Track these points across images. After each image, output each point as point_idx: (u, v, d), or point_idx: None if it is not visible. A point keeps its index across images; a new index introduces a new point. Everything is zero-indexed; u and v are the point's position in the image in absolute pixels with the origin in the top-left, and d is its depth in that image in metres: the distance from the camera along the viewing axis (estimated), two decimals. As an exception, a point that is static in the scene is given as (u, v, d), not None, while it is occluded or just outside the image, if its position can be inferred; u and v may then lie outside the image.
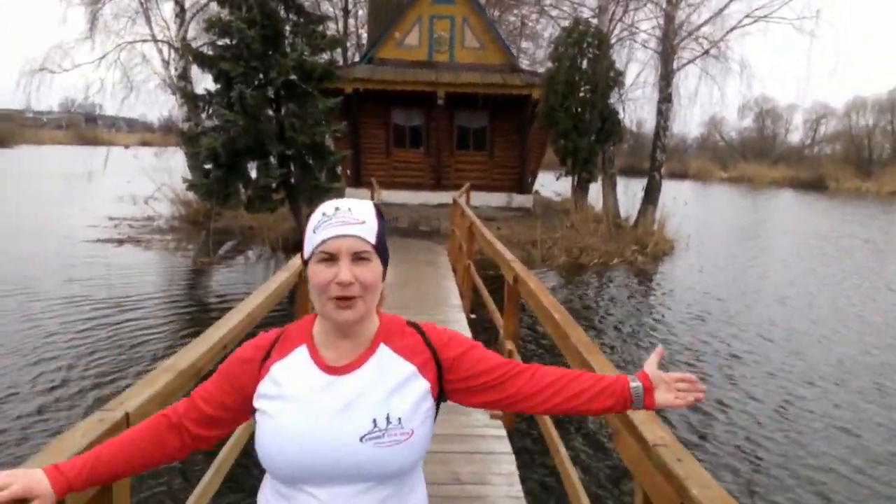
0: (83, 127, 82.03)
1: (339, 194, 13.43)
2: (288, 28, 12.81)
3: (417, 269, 10.91)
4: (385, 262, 1.27)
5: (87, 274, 10.93)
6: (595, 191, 19.44)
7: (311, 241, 1.21)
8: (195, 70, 16.34)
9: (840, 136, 55.79)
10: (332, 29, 15.27)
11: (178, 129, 12.94)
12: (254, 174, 12.63)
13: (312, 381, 1.22)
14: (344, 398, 1.20)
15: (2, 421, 5.46)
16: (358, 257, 1.19)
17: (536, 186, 21.14)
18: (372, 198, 12.80)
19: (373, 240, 1.21)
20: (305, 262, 1.24)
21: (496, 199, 18.94)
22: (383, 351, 1.27)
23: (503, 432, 4.22)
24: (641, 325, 9.75)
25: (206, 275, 11.66)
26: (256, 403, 1.25)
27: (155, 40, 18.09)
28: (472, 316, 8.46)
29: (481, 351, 1.36)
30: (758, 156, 57.72)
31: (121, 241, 13.78)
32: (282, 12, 12.67)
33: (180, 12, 17.20)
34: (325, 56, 12.70)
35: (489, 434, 4.17)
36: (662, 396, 1.31)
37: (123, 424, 1.64)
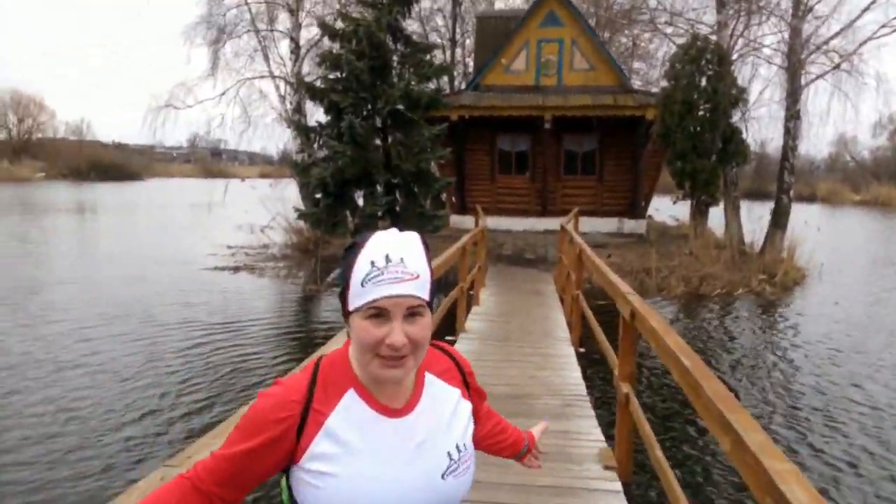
0: (209, 160, 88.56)
1: (444, 222, 13.30)
2: (396, 59, 12.95)
3: (522, 298, 10.49)
4: (433, 309, 1.17)
5: (201, 299, 11.35)
6: (715, 215, 18.25)
7: (359, 295, 1.10)
8: (309, 104, 16.93)
9: None
10: (439, 58, 15.28)
11: (290, 160, 13.37)
12: (362, 202, 12.77)
13: (378, 429, 1.15)
14: (415, 440, 1.16)
15: (91, 447, 5.52)
16: (411, 313, 1.10)
17: (650, 211, 20.17)
18: (476, 225, 12.57)
19: (426, 295, 1.12)
20: (348, 314, 1.13)
21: (606, 224, 18.21)
22: (430, 380, 1.25)
23: (619, 486, 3.75)
24: (763, 362, 8.79)
25: (313, 301, 11.82)
26: (309, 465, 1.12)
27: (272, 76, 19.04)
28: (581, 350, 7.94)
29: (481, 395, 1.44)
30: (893, 177, 52.74)
31: (236, 269, 14.34)
32: (390, 43, 12.84)
33: (295, 48, 17.99)
34: (432, 84, 12.71)
35: (602, 488, 3.70)
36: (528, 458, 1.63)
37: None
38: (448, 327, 8.19)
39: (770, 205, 17.85)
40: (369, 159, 11.93)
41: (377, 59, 12.23)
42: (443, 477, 1.16)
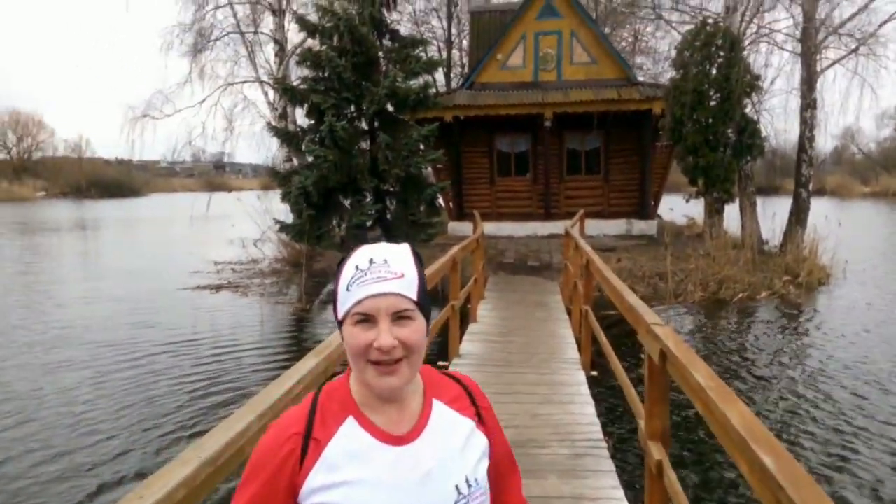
0: (211, 174, 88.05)
1: (439, 230, 12.29)
2: (381, 55, 11.97)
3: (525, 312, 9.45)
4: (428, 317, 1.10)
5: (168, 319, 10.60)
6: (729, 213, 17.19)
7: (344, 301, 1.06)
8: (300, 109, 15.99)
9: None
10: (430, 53, 14.23)
11: (271, 169, 12.41)
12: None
13: (377, 458, 1.06)
14: (420, 470, 1.07)
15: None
16: (399, 317, 1.04)
17: (660, 211, 19.12)
18: (474, 232, 11.57)
19: (414, 295, 1.06)
20: (340, 323, 1.08)
21: (614, 226, 17.16)
22: (439, 408, 1.15)
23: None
24: (789, 374, 7.76)
25: (301, 322, 10.82)
26: (309, 500, 1.04)
27: (259, 81, 18.05)
28: (593, 373, 6.91)
29: (501, 433, 1.26)
30: (901, 168, 51.78)
31: (218, 287, 13.35)
32: (375, 38, 11.87)
33: (280, 51, 17.03)
34: (421, 81, 11.71)
35: None
36: None
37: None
38: (441, 351, 7.20)
39: (782, 200, 16.80)
40: (354, 165, 10.94)
41: (361, 55, 11.26)
42: None
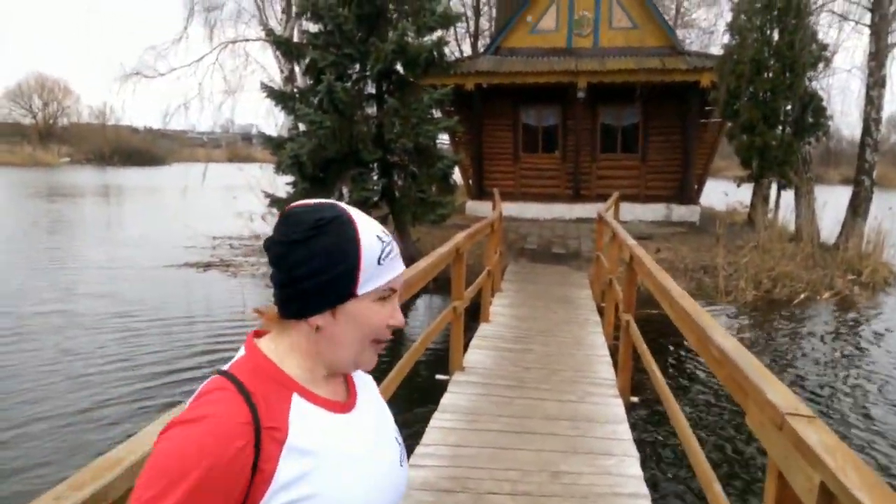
0: (238, 145, 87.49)
1: (451, 209, 10.78)
2: (392, 6, 10.38)
3: (548, 310, 7.96)
4: None
5: (136, 296, 9.63)
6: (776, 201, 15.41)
7: (375, 275, 0.96)
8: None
9: None
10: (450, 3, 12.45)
11: (264, 136, 10.99)
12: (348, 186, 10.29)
13: (337, 429, 0.98)
14: (371, 431, 1.04)
15: None
16: None
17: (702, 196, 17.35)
18: (493, 211, 10.08)
19: None
20: (346, 297, 0.95)
21: (651, 211, 15.48)
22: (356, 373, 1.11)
23: None
24: (853, 393, 6.21)
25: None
26: (280, 497, 0.88)
27: (264, 39, 16.46)
28: (634, 399, 5.43)
29: None
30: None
31: (208, 265, 12.02)
32: (385, -12, 10.29)
33: (287, 6, 15.46)
34: (434, 36, 10.12)
35: None
36: None
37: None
38: (439, 362, 5.78)
39: (832, 189, 14.93)
40: (356, 133, 9.43)
41: (367, 4, 9.69)
42: (401, 464, 1.07)
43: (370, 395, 1.10)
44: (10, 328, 7.98)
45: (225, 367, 0.95)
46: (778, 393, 1.63)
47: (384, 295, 0.97)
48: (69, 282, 10.73)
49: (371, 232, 0.96)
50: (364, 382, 1.11)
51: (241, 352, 0.99)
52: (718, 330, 2.39)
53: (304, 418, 0.93)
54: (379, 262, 0.95)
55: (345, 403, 1.02)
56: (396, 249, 0.99)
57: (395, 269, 0.98)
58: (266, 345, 0.98)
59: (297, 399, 0.94)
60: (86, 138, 66.63)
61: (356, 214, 0.97)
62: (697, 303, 3.09)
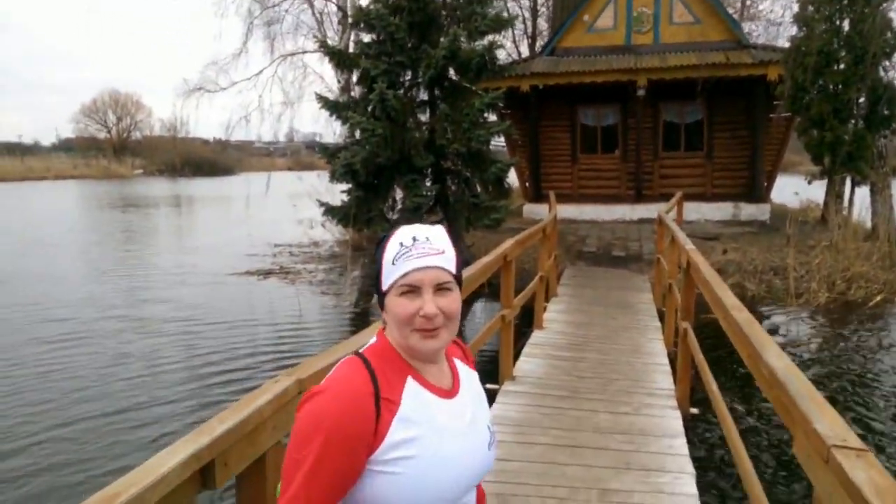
0: (303, 154, 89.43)
1: (504, 214, 10.62)
2: (444, 12, 10.36)
3: (605, 316, 7.73)
4: (461, 288, 1.24)
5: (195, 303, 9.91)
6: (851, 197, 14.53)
7: (390, 273, 1.18)
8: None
9: None
10: (500, 9, 12.22)
11: (319, 144, 11.12)
12: (402, 193, 10.32)
13: (440, 410, 1.19)
14: (467, 417, 1.23)
15: None
16: (440, 288, 1.17)
17: (773, 193, 16.60)
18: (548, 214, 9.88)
19: (453, 269, 1.20)
20: (383, 294, 1.20)
21: (718, 211, 14.92)
22: (459, 365, 1.32)
23: None
24: None
25: (341, 319, 9.54)
26: (387, 455, 1.12)
27: (319, 50, 16.74)
28: (693, 411, 5.21)
29: None
30: None
31: (268, 273, 12.28)
32: (436, -6, 10.26)
33: (343, 18, 15.66)
34: (486, 41, 10.00)
35: None
36: None
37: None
38: (491, 370, 5.65)
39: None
40: (408, 139, 9.44)
41: (418, 12, 9.70)
42: (489, 448, 1.26)
43: (472, 388, 1.30)
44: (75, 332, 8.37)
45: (360, 350, 1.21)
46: (826, 421, 1.48)
47: (404, 290, 1.15)
48: (135, 288, 11.25)
49: (397, 239, 1.17)
50: (468, 377, 1.31)
51: (374, 339, 1.24)
52: (772, 348, 2.21)
53: (414, 396, 1.16)
54: (393, 263, 1.16)
55: (449, 390, 1.23)
56: (419, 252, 1.15)
57: (409, 265, 1.14)
58: (390, 334, 1.21)
59: (410, 380, 1.17)
60: (158, 150, 69.19)
61: (401, 229, 1.20)
62: (767, 306, 2.91)
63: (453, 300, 1.18)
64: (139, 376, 6.75)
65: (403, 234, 1.18)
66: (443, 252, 1.18)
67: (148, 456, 1.37)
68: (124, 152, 68.37)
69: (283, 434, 1.76)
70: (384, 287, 1.18)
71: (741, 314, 2.84)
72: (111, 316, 9.25)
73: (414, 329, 1.16)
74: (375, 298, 1.24)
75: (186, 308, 9.67)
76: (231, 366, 7.06)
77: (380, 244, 1.22)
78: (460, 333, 1.36)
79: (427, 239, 1.17)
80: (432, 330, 1.16)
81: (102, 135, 71.32)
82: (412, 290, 1.15)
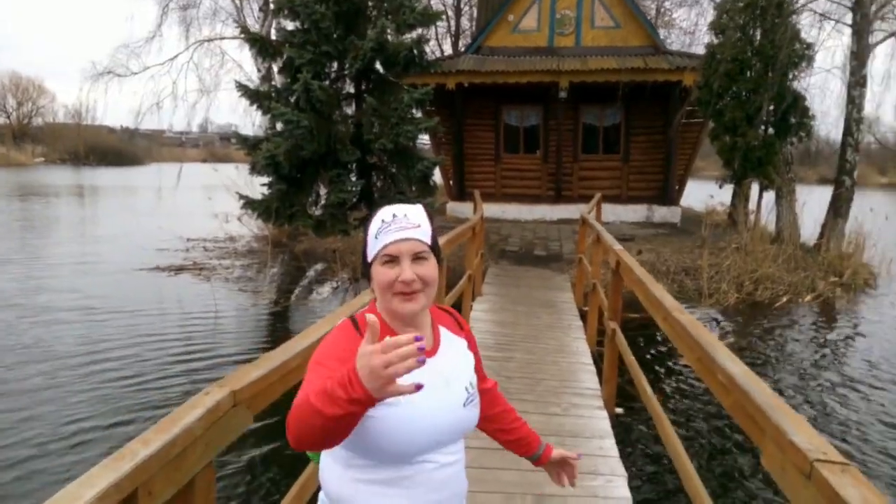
0: (216, 145, 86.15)
1: (435, 210, 10.54)
2: (371, 4, 10.12)
3: (530, 315, 7.76)
4: (439, 258, 1.40)
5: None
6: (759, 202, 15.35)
7: (373, 246, 1.35)
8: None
9: None
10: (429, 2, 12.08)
11: (238, 135, 10.62)
12: (326, 188, 10.01)
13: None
14: (443, 375, 1.37)
15: None
16: (417, 257, 1.33)
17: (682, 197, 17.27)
18: (474, 213, 9.85)
19: (428, 241, 1.36)
20: (369, 265, 1.37)
21: (632, 212, 15.40)
22: (444, 332, 1.47)
23: None
24: (833, 408, 6.08)
25: (259, 320, 9.13)
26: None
27: (239, 37, 16.08)
28: (619, 411, 5.27)
29: (477, 351, 1.60)
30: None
31: (180, 269, 11.66)
32: (364, -15, 10.01)
33: (263, 4, 15.09)
34: (414, 34, 9.86)
35: None
36: (551, 467, 1.76)
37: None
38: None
39: (810, 189, 14.89)
40: (334, 133, 9.16)
41: (345, 2, 9.42)
42: (464, 406, 1.40)
43: (453, 352, 1.45)
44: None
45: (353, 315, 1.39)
46: (802, 433, 1.43)
47: (385, 260, 1.32)
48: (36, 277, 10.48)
49: (380, 216, 1.35)
50: (451, 342, 1.47)
51: (367, 307, 1.43)
52: (723, 351, 2.19)
53: None
54: (375, 237, 1.33)
55: (428, 351, 1.33)
56: (397, 226, 1.32)
57: (388, 238, 1.31)
58: (378, 302, 1.39)
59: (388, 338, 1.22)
60: (61, 138, 65.33)
61: (385, 209, 1.36)
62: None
63: (430, 268, 1.34)
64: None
65: (385, 212, 1.35)
66: (419, 226, 1.34)
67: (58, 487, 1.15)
68: (24, 139, 64.00)
69: (215, 453, 1.56)
70: (369, 258, 1.35)
71: (683, 316, 2.82)
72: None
73: (394, 293, 1.32)
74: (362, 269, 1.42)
75: (89, 303, 8.99)
76: (139, 369, 6.58)
77: (365, 222, 1.40)
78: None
79: (405, 215, 1.34)
80: (410, 293, 1.31)
81: (1, 120, 66.46)
82: (392, 259, 1.31)
